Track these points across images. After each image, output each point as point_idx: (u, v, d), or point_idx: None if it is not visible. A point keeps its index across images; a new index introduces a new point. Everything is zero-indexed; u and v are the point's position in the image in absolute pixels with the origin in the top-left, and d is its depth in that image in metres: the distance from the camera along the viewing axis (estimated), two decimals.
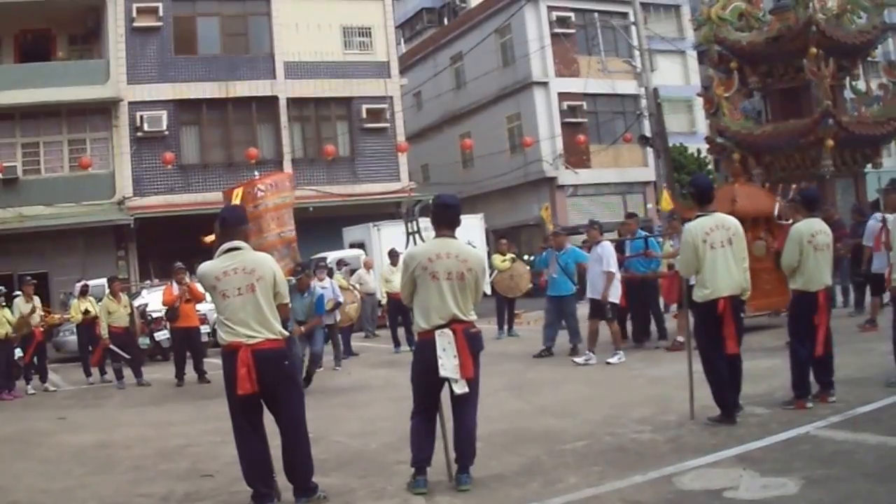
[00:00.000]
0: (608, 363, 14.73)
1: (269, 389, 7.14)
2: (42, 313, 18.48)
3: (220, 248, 7.36)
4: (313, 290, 15.77)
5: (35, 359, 18.12)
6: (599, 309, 15.26)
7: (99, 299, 18.84)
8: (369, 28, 37.90)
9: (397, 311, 20.11)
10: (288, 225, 13.35)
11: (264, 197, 13.01)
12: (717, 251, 9.05)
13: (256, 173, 14.73)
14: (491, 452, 8.47)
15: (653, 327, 17.05)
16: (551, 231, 20.84)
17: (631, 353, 15.60)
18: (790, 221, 15.50)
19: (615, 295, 15.38)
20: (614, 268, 15.37)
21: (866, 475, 6.87)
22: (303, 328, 15.11)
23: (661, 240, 18.01)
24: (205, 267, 7.39)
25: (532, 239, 41.20)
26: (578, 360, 15.31)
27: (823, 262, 9.86)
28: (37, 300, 18.23)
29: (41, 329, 18.21)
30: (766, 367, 12.01)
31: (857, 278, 18.05)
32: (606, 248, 15.54)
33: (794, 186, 18.44)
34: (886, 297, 15.45)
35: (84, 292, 19.51)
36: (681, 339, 14.88)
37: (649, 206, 42.98)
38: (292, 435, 7.30)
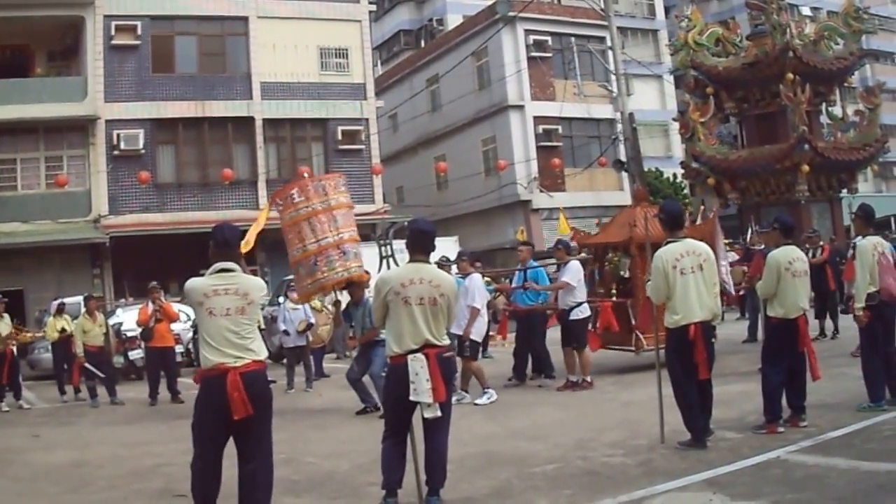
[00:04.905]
0: (476, 404, 13.89)
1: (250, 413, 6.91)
2: (13, 331, 18.33)
3: (212, 266, 7.16)
4: (366, 301, 15.02)
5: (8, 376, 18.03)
6: (461, 346, 14.29)
7: (74, 317, 18.77)
8: (346, 49, 37.88)
9: None
10: (343, 228, 12.96)
11: (297, 204, 12.66)
12: (688, 277, 9.07)
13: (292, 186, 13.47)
14: (462, 475, 8.50)
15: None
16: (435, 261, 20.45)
17: (555, 386, 15.17)
18: (762, 247, 15.61)
19: (478, 332, 14.77)
20: (479, 303, 14.53)
21: (837, 500, 6.94)
22: (358, 340, 14.60)
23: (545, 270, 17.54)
24: (194, 282, 7.14)
25: (507, 262, 41.23)
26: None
27: (801, 289, 9.94)
28: (7, 318, 18.14)
29: (12, 347, 18.07)
30: (737, 391, 12.10)
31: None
32: (474, 281, 14.79)
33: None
34: None
35: (60, 310, 19.42)
36: (573, 378, 14.71)
37: None
38: (261, 460, 7.03)
